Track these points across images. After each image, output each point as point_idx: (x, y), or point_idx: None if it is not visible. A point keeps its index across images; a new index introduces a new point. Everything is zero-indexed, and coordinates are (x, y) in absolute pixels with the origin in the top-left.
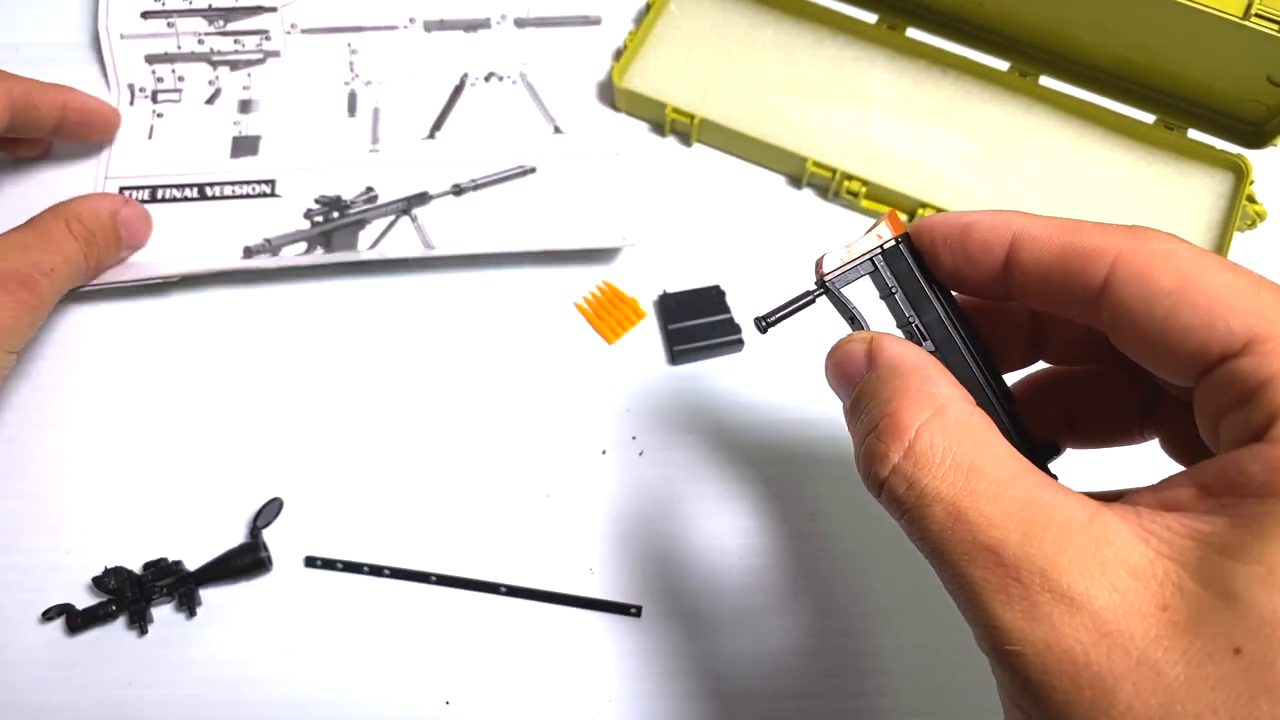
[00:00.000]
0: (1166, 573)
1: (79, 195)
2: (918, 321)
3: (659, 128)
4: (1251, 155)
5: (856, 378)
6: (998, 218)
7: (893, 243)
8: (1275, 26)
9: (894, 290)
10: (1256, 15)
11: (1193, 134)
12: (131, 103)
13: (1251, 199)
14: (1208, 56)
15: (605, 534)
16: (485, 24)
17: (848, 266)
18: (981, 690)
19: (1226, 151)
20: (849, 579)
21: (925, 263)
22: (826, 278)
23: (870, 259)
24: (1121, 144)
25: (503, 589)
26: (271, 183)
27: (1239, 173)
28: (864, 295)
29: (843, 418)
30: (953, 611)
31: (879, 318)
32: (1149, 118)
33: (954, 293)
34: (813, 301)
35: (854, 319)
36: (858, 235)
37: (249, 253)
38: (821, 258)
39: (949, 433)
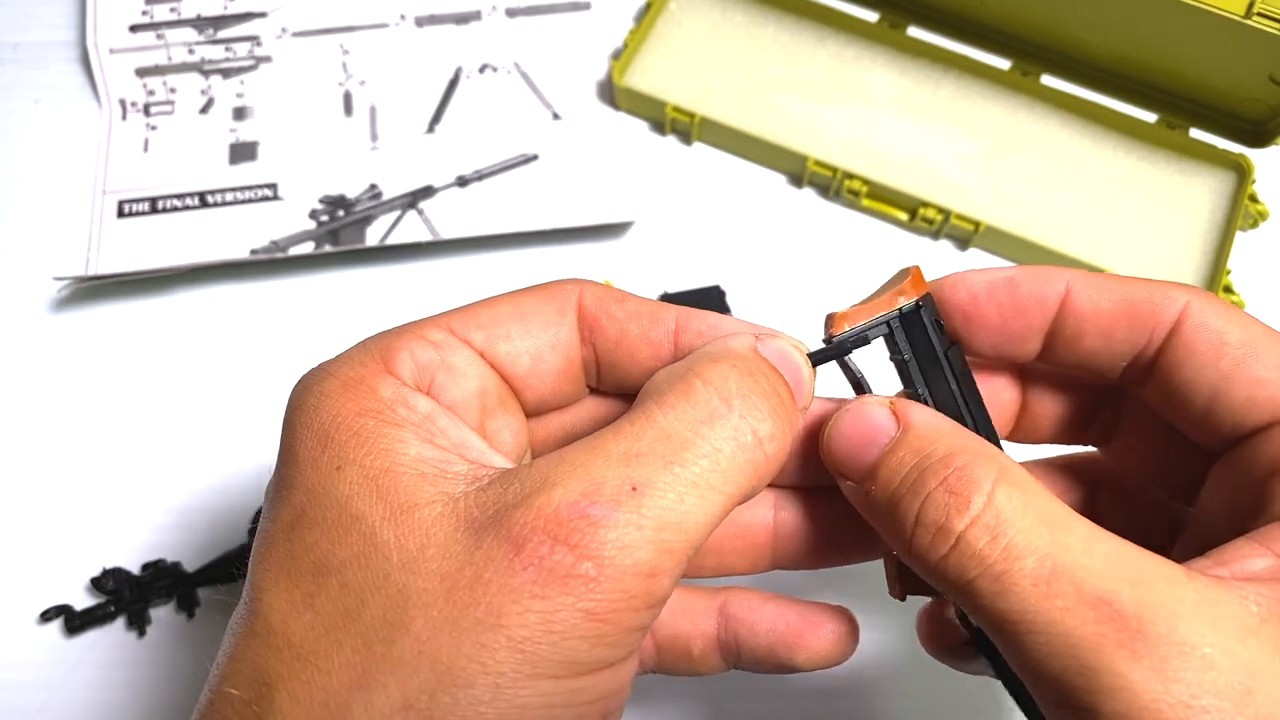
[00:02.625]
0: (1279, 634)
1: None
2: (928, 393)
3: (659, 126)
4: (1253, 154)
5: (880, 441)
6: (1044, 269)
7: (912, 306)
8: (1277, 25)
9: (907, 358)
10: (1258, 14)
11: (1194, 133)
12: (124, 117)
13: (1253, 198)
14: (1210, 55)
15: None
16: (476, 16)
17: (862, 328)
18: (980, 691)
19: (1228, 151)
20: (849, 578)
21: (944, 329)
22: (835, 339)
23: (886, 322)
24: (1123, 143)
25: None
26: (273, 186)
27: (1241, 172)
28: (875, 356)
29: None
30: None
31: (886, 382)
32: (1151, 117)
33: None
34: (829, 359)
35: (859, 384)
36: (877, 287)
37: (256, 255)
38: (833, 315)
39: (1024, 489)
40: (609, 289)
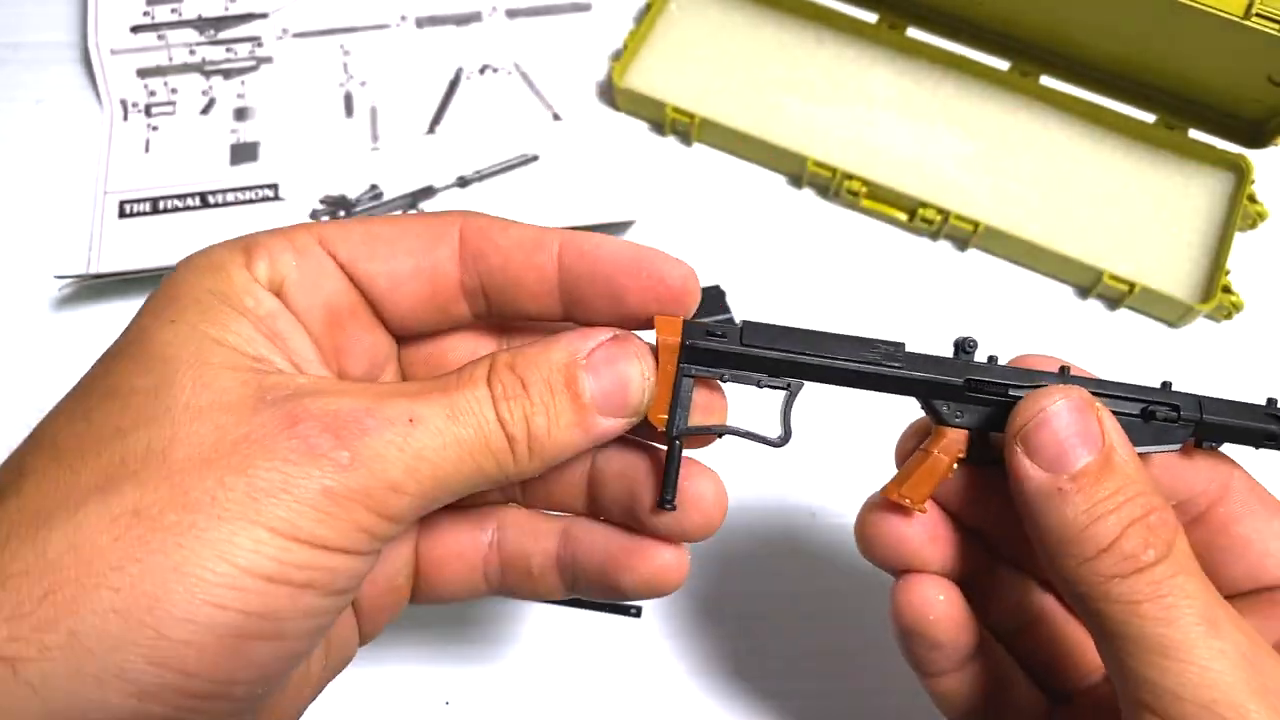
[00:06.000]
0: None
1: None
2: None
3: (659, 127)
4: (1252, 155)
5: (1090, 448)
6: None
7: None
8: (1276, 26)
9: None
10: (1257, 15)
11: (1193, 134)
12: (125, 118)
13: (1252, 199)
14: (1208, 56)
15: None
16: (476, 17)
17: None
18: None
19: (1227, 151)
20: (849, 578)
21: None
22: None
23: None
24: (1122, 144)
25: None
26: (274, 186)
27: (1240, 172)
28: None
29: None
30: None
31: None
32: (1150, 117)
33: None
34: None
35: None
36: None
37: None
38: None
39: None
40: (493, 219)
